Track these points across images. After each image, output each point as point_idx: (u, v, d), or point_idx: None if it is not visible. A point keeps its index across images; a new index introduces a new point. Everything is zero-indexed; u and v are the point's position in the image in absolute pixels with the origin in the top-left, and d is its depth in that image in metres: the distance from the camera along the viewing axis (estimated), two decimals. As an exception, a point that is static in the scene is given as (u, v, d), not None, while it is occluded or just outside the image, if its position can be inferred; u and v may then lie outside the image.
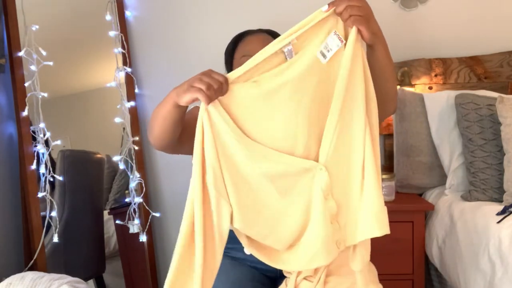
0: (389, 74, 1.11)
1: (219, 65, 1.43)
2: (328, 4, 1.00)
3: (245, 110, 0.98)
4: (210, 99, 0.95)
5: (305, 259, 1.03)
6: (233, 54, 1.37)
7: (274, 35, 1.38)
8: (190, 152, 1.20)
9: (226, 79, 0.97)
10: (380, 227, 1.01)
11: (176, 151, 1.26)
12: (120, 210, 2.15)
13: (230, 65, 1.39)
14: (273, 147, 0.98)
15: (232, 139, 0.97)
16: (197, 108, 1.09)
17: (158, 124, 1.13)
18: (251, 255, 1.33)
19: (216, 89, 0.95)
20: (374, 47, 1.05)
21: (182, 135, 1.21)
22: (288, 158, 0.98)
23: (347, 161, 1.01)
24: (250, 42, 1.35)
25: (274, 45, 0.98)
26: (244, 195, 1.00)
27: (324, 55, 0.99)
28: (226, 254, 1.38)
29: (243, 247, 1.35)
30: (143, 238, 2.11)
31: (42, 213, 1.81)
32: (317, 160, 0.99)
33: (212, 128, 0.97)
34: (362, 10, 0.99)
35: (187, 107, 1.06)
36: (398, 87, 2.23)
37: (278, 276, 1.35)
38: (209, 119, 0.97)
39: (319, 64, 0.99)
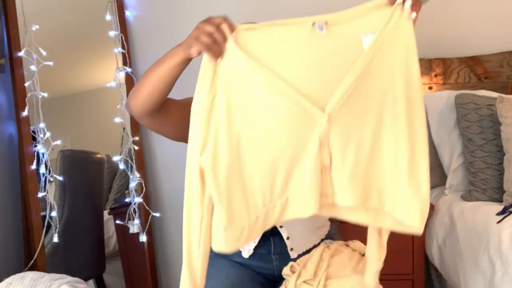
0: None
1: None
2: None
3: (270, 53, 0.97)
4: (218, 55, 0.97)
5: (296, 206, 1.02)
6: None
7: None
8: (170, 131, 1.28)
9: (227, 25, 0.98)
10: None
11: (154, 122, 1.24)
12: (120, 210, 2.15)
13: None
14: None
15: (251, 72, 0.97)
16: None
17: (151, 83, 1.11)
18: (249, 259, 1.33)
19: (221, 41, 0.97)
20: None
21: (173, 112, 1.23)
22: (300, 98, 0.96)
23: (357, 122, 0.99)
24: None
25: (305, 19, 0.97)
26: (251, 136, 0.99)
27: (365, 40, 0.98)
28: (225, 257, 1.37)
29: (240, 251, 1.34)
30: (143, 238, 2.11)
31: (42, 213, 1.81)
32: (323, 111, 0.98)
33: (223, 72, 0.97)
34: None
35: (188, 63, 1.07)
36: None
37: (277, 278, 1.35)
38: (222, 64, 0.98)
39: (357, 43, 0.98)
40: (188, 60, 1.06)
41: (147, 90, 1.14)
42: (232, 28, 0.98)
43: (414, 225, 1.01)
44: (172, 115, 1.28)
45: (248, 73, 0.97)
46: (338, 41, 0.97)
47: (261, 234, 1.07)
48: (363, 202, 1.02)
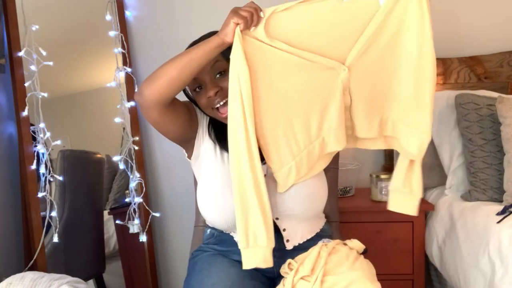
0: None
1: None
2: None
3: (299, 27, 1.17)
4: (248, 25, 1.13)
5: (331, 142, 1.27)
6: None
7: None
8: (173, 128, 1.32)
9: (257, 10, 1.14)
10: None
11: (163, 117, 1.25)
12: (120, 210, 2.15)
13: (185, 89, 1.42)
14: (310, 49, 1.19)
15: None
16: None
17: (177, 68, 1.16)
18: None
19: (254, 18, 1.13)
20: None
21: (179, 111, 1.31)
22: (319, 58, 1.18)
23: (372, 71, 1.21)
24: None
25: None
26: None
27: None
28: (225, 255, 1.38)
29: (239, 249, 1.35)
30: (143, 238, 2.11)
31: (42, 213, 1.81)
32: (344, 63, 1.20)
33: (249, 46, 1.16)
34: None
35: (221, 50, 1.17)
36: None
37: (276, 276, 1.36)
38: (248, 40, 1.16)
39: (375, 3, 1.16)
40: (222, 47, 1.16)
41: (171, 77, 1.16)
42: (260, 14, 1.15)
43: (412, 152, 1.23)
44: (179, 114, 1.29)
45: (276, 51, 1.17)
46: (359, 4, 1.15)
47: (306, 171, 1.31)
48: (379, 133, 1.29)
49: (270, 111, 1.22)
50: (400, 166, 1.30)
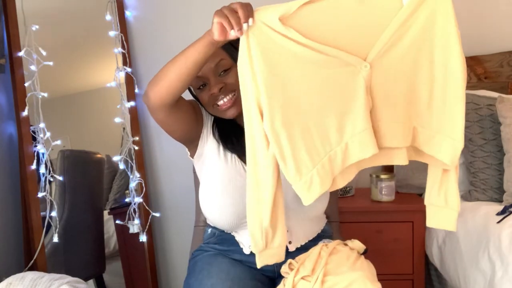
0: None
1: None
2: None
3: (318, 21, 1.08)
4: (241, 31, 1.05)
5: (356, 149, 1.11)
6: None
7: None
8: (180, 127, 1.31)
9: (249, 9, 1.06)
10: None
11: (169, 117, 1.25)
12: (120, 210, 2.15)
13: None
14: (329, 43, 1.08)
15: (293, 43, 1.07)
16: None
17: (176, 71, 1.14)
18: (249, 256, 1.34)
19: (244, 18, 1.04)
20: None
21: (185, 111, 1.29)
22: (338, 52, 1.07)
23: (396, 70, 1.10)
24: None
25: None
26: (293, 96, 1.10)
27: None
28: (226, 255, 1.38)
29: (241, 249, 1.35)
30: (143, 238, 2.11)
31: (42, 213, 1.81)
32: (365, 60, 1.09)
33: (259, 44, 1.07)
34: None
35: (213, 49, 1.11)
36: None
37: (276, 276, 1.36)
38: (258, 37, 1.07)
39: (398, 2, 1.08)
40: (212, 45, 1.09)
41: (171, 78, 1.15)
42: (252, 12, 1.06)
43: (445, 162, 1.11)
44: (185, 114, 1.30)
45: (291, 45, 1.07)
46: (380, 3, 1.08)
47: (331, 182, 1.13)
48: (405, 141, 1.13)
49: (284, 111, 1.10)
50: (432, 177, 1.19)
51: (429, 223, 1.20)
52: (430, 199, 1.19)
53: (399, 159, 1.14)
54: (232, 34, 1.04)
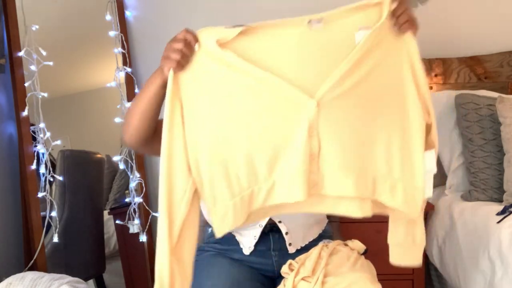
0: None
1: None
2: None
3: (261, 50, 0.99)
4: (182, 67, 1.03)
5: (283, 191, 1.02)
6: None
7: None
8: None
9: (193, 39, 1.03)
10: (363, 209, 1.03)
11: (152, 148, 1.24)
12: (120, 210, 2.15)
13: None
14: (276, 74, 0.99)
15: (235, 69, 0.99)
16: None
17: (138, 115, 1.15)
18: (249, 256, 1.34)
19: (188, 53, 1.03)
20: None
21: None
22: (281, 82, 0.97)
23: (348, 112, 1.00)
24: None
25: (301, 18, 0.99)
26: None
27: (358, 35, 0.99)
28: (225, 255, 1.38)
29: (241, 248, 1.35)
30: (143, 238, 2.11)
31: (42, 213, 1.81)
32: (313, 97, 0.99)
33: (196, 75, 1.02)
34: (413, 16, 1.03)
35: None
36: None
37: (276, 276, 1.36)
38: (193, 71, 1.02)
39: (351, 38, 0.99)
40: (164, 76, 1.07)
41: (136, 122, 1.17)
42: (196, 38, 1.03)
43: (408, 214, 1.04)
44: None
45: (226, 70, 0.99)
46: (333, 37, 0.98)
47: (245, 217, 1.05)
48: (356, 191, 1.01)
49: (210, 137, 1.02)
50: (396, 229, 1.12)
51: (393, 260, 1.15)
52: (395, 240, 1.13)
53: (350, 210, 1.03)
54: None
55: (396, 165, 1.03)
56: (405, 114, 1.02)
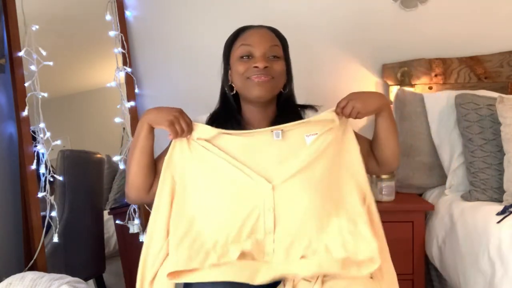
0: (395, 138, 1.37)
1: (218, 65, 1.43)
2: (336, 112, 1.29)
3: (236, 147, 1.26)
4: (177, 136, 1.26)
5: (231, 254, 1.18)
6: (232, 44, 1.37)
7: (275, 31, 1.38)
8: None
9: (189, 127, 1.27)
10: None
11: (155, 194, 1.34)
12: (120, 210, 2.15)
13: (227, 57, 1.39)
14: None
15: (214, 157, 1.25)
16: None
17: (136, 162, 1.30)
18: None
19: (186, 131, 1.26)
20: (378, 118, 1.35)
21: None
22: (251, 173, 1.21)
23: (299, 195, 1.21)
24: (252, 34, 1.35)
25: (266, 129, 1.27)
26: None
27: (308, 139, 1.27)
28: None
29: None
30: (143, 238, 2.11)
31: (42, 213, 1.81)
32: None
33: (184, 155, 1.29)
34: (359, 101, 1.27)
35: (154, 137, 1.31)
36: (398, 87, 2.23)
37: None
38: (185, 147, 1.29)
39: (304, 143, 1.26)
40: (152, 129, 1.29)
41: (135, 169, 1.30)
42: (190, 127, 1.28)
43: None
44: None
45: (209, 156, 1.25)
46: (290, 141, 1.25)
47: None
48: (303, 257, 1.18)
49: (181, 202, 1.27)
50: None
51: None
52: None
53: (301, 270, 1.16)
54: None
55: (349, 240, 1.20)
56: (344, 194, 1.26)
